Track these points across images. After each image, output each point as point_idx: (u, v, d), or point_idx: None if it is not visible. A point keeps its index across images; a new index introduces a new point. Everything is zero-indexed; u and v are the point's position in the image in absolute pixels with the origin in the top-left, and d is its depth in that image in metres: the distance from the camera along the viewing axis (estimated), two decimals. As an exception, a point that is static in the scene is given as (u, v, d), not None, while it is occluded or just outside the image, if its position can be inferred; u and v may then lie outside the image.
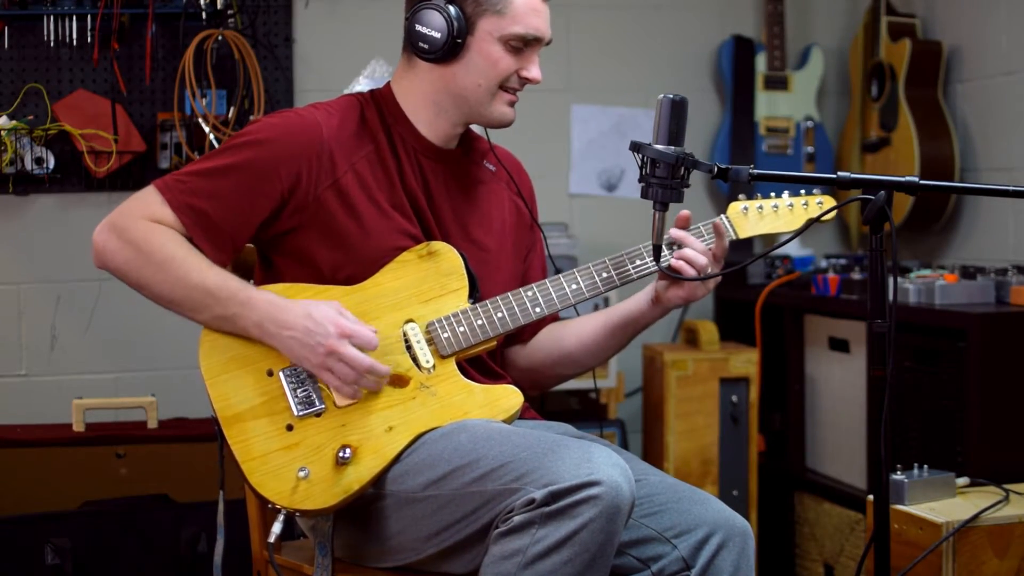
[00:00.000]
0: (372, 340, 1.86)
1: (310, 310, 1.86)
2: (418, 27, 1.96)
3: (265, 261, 2.05)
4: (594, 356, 2.16)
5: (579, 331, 2.15)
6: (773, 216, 2.09)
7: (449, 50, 1.97)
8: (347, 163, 1.98)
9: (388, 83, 2.09)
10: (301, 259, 1.99)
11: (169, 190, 1.93)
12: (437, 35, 1.96)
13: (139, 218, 1.91)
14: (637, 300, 2.10)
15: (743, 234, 2.08)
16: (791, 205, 2.10)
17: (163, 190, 1.93)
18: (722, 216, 2.07)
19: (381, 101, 2.06)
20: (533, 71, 2.01)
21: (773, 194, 2.11)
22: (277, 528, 1.87)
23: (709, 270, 2.00)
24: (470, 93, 2.00)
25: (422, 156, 2.05)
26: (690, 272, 1.99)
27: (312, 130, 1.97)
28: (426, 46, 1.97)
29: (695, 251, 1.99)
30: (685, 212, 2.04)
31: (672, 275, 2.01)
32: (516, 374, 2.19)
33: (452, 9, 1.95)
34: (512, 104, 2.04)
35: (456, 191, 2.08)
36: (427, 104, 2.03)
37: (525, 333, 2.17)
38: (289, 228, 1.98)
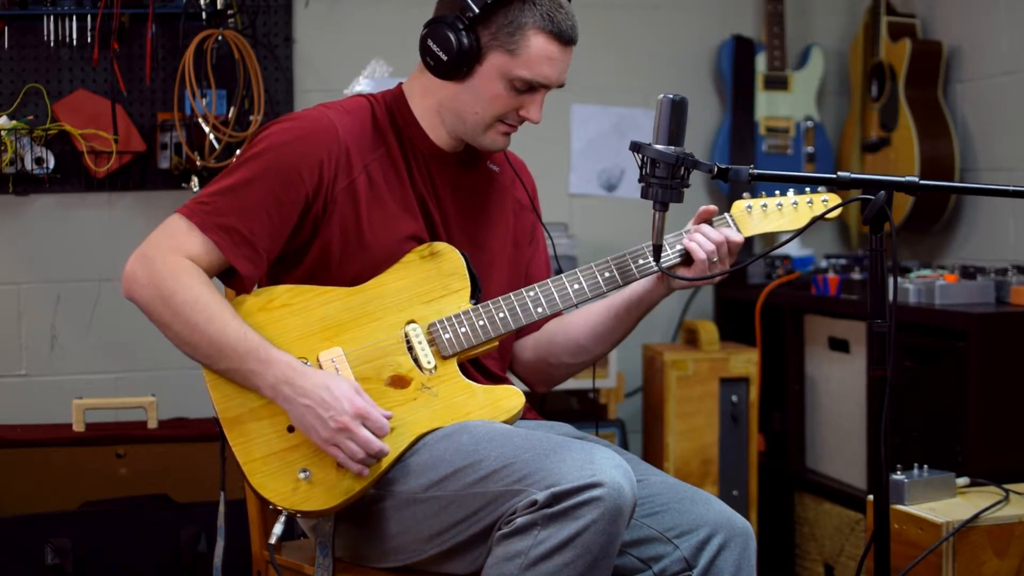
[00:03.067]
0: (385, 426, 1.83)
1: (328, 383, 1.83)
2: (429, 42, 1.95)
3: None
4: (601, 342, 2.14)
5: (585, 318, 2.14)
6: (777, 214, 2.09)
7: (454, 72, 1.95)
8: (361, 164, 1.98)
9: (400, 84, 2.08)
10: (310, 258, 1.99)
11: (195, 214, 1.90)
12: (444, 56, 1.94)
13: (169, 252, 1.88)
14: (641, 281, 2.07)
15: (747, 232, 2.07)
16: (795, 203, 2.09)
17: (189, 215, 1.90)
18: (726, 215, 2.07)
19: (392, 103, 2.06)
20: (532, 112, 1.98)
21: (777, 192, 2.10)
22: (278, 529, 1.88)
23: (715, 258, 2.00)
24: (467, 117, 1.99)
25: (430, 160, 2.05)
26: (700, 255, 1.98)
27: (328, 131, 1.96)
28: (432, 62, 1.96)
29: (705, 236, 2.00)
30: (712, 207, 2.05)
31: (672, 275, 2.02)
32: (524, 368, 2.20)
33: (466, 35, 1.92)
34: (507, 134, 2.02)
35: (461, 194, 2.08)
36: (432, 112, 2.03)
37: (531, 327, 2.17)
38: (309, 237, 1.97)
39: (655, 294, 2.07)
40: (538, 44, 1.92)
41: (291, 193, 1.92)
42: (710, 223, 2.05)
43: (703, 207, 2.06)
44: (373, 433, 1.81)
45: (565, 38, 1.95)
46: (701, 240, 2.00)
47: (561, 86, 2.00)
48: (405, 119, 2.04)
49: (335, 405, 1.80)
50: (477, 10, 1.91)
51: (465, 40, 1.92)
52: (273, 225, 1.92)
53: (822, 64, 3.88)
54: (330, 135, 1.96)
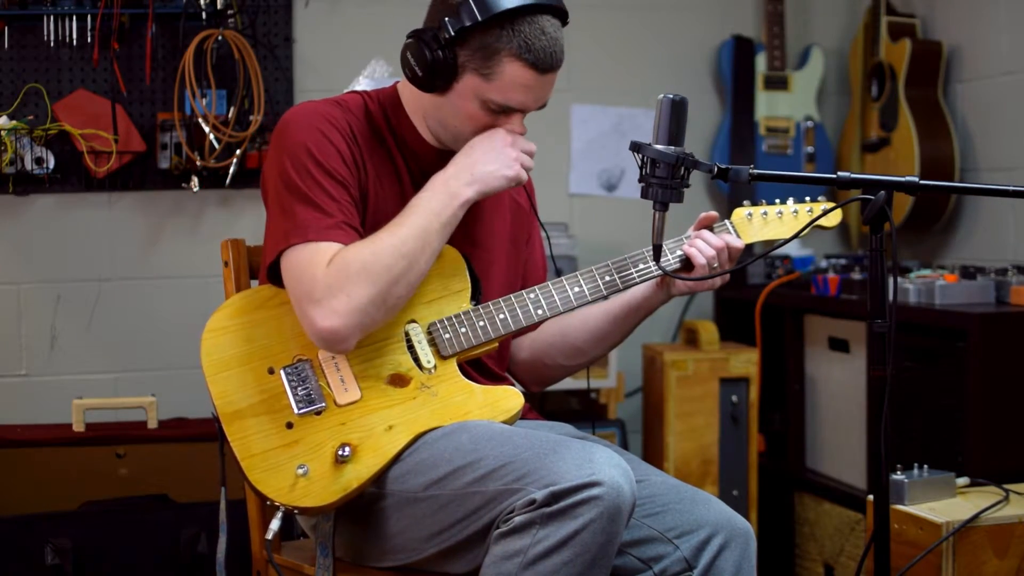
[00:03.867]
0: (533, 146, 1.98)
1: (470, 150, 1.94)
2: (407, 54, 1.94)
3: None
4: (598, 345, 2.15)
5: (583, 321, 2.15)
6: (777, 222, 2.10)
7: (430, 86, 1.94)
8: (361, 160, 1.98)
9: (396, 83, 2.08)
10: None
11: (303, 233, 1.87)
12: (419, 71, 1.92)
13: (322, 275, 1.84)
14: (640, 286, 2.08)
15: (747, 239, 2.08)
16: (795, 212, 2.11)
17: (303, 238, 1.86)
18: (726, 221, 2.08)
19: (386, 101, 2.05)
20: (514, 128, 1.97)
21: (778, 200, 2.11)
22: (275, 525, 1.88)
23: (715, 264, 2.01)
24: (448, 128, 1.98)
25: (423, 159, 2.05)
26: (700, 260, 1.99)
27: (343, 128, 1.96)
28: (410, 74, 1.95)
29: (706, 242, 2.00)
30: (713, 213, 2.06)
31: (672, 275, 2.02)
32: (519, 368, 2.20)
33: (441, 52, 1.89)
34: None
35: None
36: (419, 116, 2.03)
37: (529, 327, 2.17)
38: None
39: (653, 300, 2.08)
40: (512, 71, 1.89)
41: (346, 167, 1.93)
42: (711, 229, 2.05)
43: (704, 214, 2.06)
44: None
45: (543, 67, 1.90)
46: (701, 246, 2.01)
47: (542, 107, 1.98)
48: (398, 118, 2.04)
49: (488, 143, 1.93)
50: (453, 33, 1.88)
51: (441, 57, 1.90)
52: (355, 204, 1.94)
53: (822, 64, 3.88)
54: (345, 133, 1.96)
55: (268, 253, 1.93)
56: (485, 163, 1.92)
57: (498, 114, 1.95)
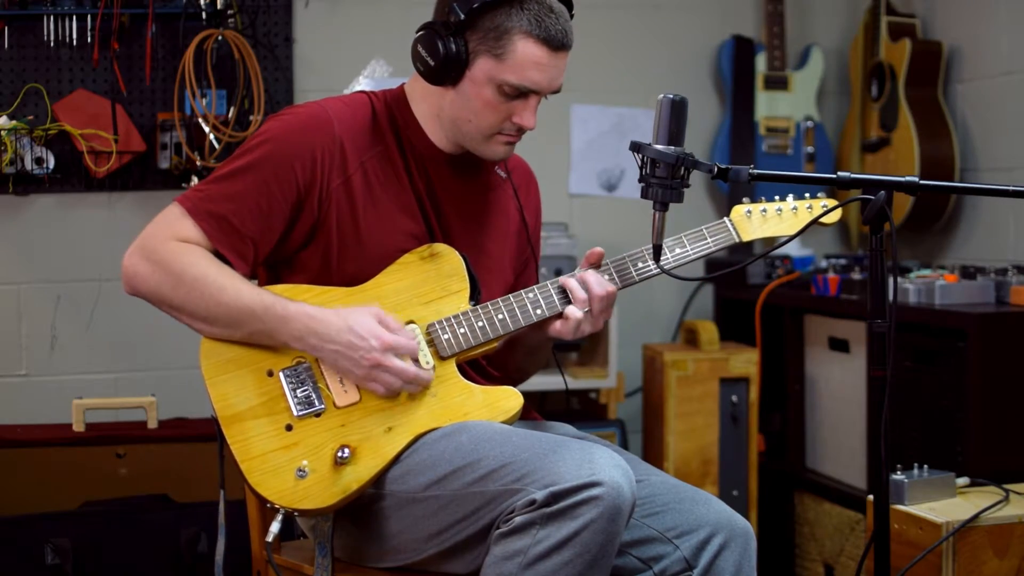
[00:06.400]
0: (414, 348, 1.87)
1: (351, 323, 1.84)
2: (419, 47, 1.95)
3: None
4: (513, 370, 2.13)
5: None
6: (776, 219, 2.09)
7: (442, 77, 1.94)
8: (357, 161, 1.98)
9: (403, 84, 2.08)
10: (313, 263, 1.99)
11: (188, 200, 1.92)
12: (431, 61, 1.93)
13: (165, 239, 1.90)
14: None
15: (747, 237, 2.07)
16: (795, 208, 2.09)
17: (183, 202, 1.92)
18: (725, 219, 2.07)
19: (393, 102, 2.05)
20: (526, 119, 1.96)
21: (777, 197, 2.10)
22: (275, 527, 1.88)
23: (589, 307, 1.95)
24: (463, 125, 1.98)
25: (429, 160, 2.04)
26: (580, 296, 1.95)
27: (324, 125, 1.96)
28: (422, 67, 1.96)
29: (588, 282, 1.96)
30: (598, 250, 2.01)
31: (673, 276, 2.01)
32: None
33: (452, 40, 1.91)
34: (509, 144, 2.01)
35: (462, 196, 2.07)
36: (431, 116, 2.03)
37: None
38: (307, 239, 1.97)
39: (531, 337, 2.04)
40: (525, 49, 1.91)
41: (283, 185, 1.93)
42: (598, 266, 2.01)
43: (594, 250, 2.02)
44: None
45: (554, 43, 1.92)
46: (576, 287, 1.96)
47: (556, 91, 1.98)
48: (405, 119, 2.04)
49: (363, 344, 1.83)
50: (463, 16, 1.90)
51: (452, 45, 1.91)
52: (263, 216, 1.92)
53: (822, 64, 3.88)
54: (325, 130, 1.96)
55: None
56: (346, 357, 1.85)
57: (513, 99, 1.95)
